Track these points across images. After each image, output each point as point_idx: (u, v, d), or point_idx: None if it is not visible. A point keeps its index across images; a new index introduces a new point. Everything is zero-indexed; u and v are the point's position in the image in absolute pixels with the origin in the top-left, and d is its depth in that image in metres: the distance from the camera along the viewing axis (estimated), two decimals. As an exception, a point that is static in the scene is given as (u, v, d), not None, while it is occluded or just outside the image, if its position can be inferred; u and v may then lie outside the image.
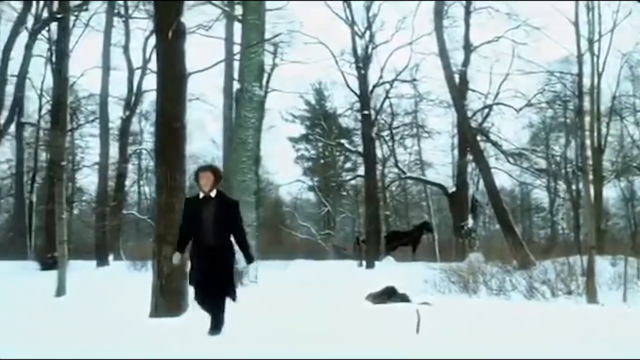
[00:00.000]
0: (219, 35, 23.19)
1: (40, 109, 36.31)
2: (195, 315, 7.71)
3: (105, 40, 26.26)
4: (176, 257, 7.08)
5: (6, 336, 6.96)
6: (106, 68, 26.62)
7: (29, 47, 25.77)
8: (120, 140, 32.78)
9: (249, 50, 12.04)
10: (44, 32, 27.55)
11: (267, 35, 24.12)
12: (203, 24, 20.45)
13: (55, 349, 5.98)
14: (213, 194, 6.95)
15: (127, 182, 47.94)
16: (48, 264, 22.91)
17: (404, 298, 10.88)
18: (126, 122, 32.29)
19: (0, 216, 44.68)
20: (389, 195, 42.97)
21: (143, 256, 24.85)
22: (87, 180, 42.04)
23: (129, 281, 18.34)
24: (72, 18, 27.11)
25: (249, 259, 7.42)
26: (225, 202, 7.10)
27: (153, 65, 31.96)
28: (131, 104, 32.11)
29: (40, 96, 35.61)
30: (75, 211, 45.10)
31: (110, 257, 29.71)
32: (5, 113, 28.18)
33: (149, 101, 35.96)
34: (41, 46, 30.46)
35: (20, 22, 25.55)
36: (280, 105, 44.86)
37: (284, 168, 50.38)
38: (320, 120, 43.48)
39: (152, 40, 31.20)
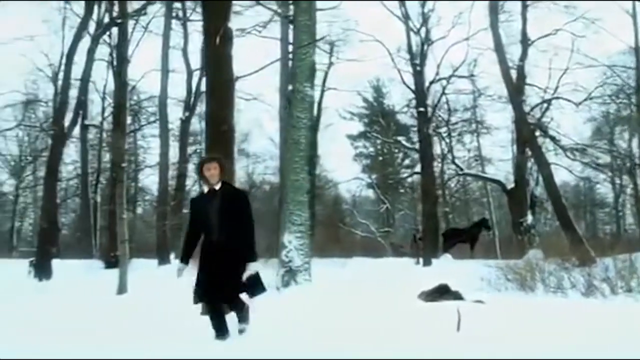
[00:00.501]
0: (274, 36, 23.55)
1: (103, 112, 37.34)
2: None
3: (164, 43, 26.80)
4: (179, 270, 6.73)
5: (64, 332, 7.26)
6: (165, 70, 27.15)
7: (91, 51, 26.48)
8: (180, 140, 33.39)
9: (300, 51, 12.14)
10: (105, 37, 28.31)
11: (322, 35, 24.39)
12: (259, 24, 20.65)
13: (109, 345, 6.23)
14: (218, 186, 6.52)
15: (189, 182, 48.88)
16: (111, 262, 23.53)
17: (457, 296, 10.81)
18: (185, 123, 32.85)
19: (68, 216, 46.04)
20: (448, 192, 42.69)
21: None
22: (150, 180, 43.02)
23: (187, 279, 18.73)
24: (132, 22, 27.84)
25: (251, 257, 6.55)
26: (230, 193, 6.62)
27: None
28: (190, 105, 32.66)
29: (103, 99, 36.63)
30: (139, 210, 46.20)
31: (172, 256, 30.32)
32: (69, 116, 28.91)
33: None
34: (103, 50, 31.38)
35: (82, 27, 26.22)
36: (337, 104, 45.16)
37: (342, 166, 50.75)
38: (378, 117, 43.48)
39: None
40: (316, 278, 13.04)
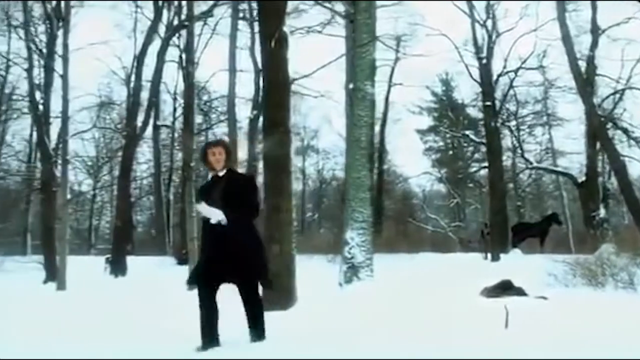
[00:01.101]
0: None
1: (174, 112, 38.25)
2: (302, 309, 8.12)
3: (230, 43, 27.26)
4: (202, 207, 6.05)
5: (130, 325, 7.57)
6: (232, 70, 27.61)
7: (161, 53, 27.13)
8: (249, 138, 33.92)
9: (360, 50, 12.26)
10: (175, 39, 28.93)
11: (387, 31, 24.40)
12: (323, 22, 20.82)
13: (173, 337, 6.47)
14: (222, 173, 6.05)
15: (260, 179, 49.48)
16: (183, 259, 24.10)
17: (520, 292, 10.70)
18: (254, 121, 33.34)
19: (143, 214, 47.38)
20: (520, 186, 42.05)
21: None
22: (222, 178, 43.74)
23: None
24: (200, 24, 28.46)
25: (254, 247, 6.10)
26: (235, 179, 6.11)
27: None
28: (258, 103, 33.13)
29: (174, 100, 37.50)
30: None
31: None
32: (142, 117, 29.67)
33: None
34: (174, 52, 32.14)
35: (152, 30, 26.94)
36: (406, 98, 44.93)
37: (412, 160, 50.51)
38: (447, 111, 43.18)
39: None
40: (380, 274, 13.13)
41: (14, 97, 32.82)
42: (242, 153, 32.32)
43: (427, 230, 40.08)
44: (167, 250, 33.42)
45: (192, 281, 6.22)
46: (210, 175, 6.21)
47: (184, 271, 18.34)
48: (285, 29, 9.20)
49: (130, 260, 26.68)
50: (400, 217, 40.46)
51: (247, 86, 33.41)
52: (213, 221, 5.79)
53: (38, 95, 23.75)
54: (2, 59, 29.68)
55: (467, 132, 37.75)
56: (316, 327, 6.76)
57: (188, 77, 19.82)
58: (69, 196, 19.76)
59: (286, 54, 9.29)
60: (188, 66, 19.93)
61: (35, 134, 29.03)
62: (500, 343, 5.41)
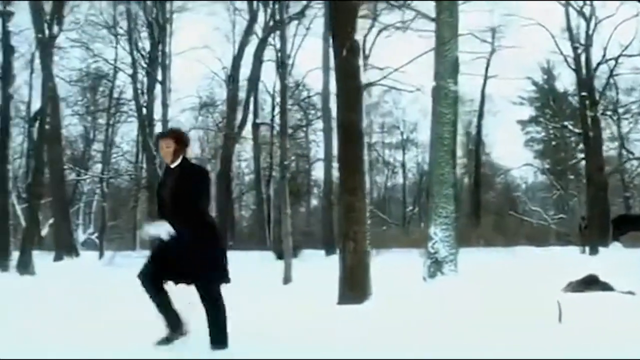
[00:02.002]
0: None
1: (272, 110, 39.17)
2: (378, 303, 8.45)
3: (324, 41, 27.80)
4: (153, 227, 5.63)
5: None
6: (326, 68, 28.16)
7: (257, 54, 28.03)
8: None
9: (442, 48, 12.45)
10: (271, 39, 29.82)
11: (478, 25, 24.27)
12: (409, 20, 21.05)
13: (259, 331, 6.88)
14: (174, 165, 5.60)
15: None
16: (282, 253, 24.79)
17: (606, 287, 10.55)
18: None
19: (247, 209, 48.76)
20: (628, 177, 40.70)
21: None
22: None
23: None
24: (295, 23, 29.17)
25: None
26: (187, 173, 5.59)
27: (371, 60, 33.44)
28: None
29: (273, 98, 38.41)
30: (314, 202, 47.93)
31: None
32: (241, 116, 30.74)
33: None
34: (272, 52, 33.04)
35: (248, 32, 27.86)
36: (502, 90, 44.28)
37: (513, 152, 49.65)
38: (549, 101, 42.31)
39: (370, 38, 32.71)
40: (470, 268, 13.28)
41: (121, 101, 34.66)
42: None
43: (527, 223, 39.47)
44: (267, 244, 34.33)
45: (142, 279, 5.59)
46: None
47: (283, 265, 18.97)
48: (358, 37, 9.57)
49: (232, 254, 27.63)
50: (501, 210, 40.03)
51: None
52: (164, 237, 5.41)
53: (143, 99, 25.10)
54: (110, 66, 31.44)
55: (566, 123, 36.87)
56: (382, 321, 7.04)
57: (281, 79, 20.45)
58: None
59: (358, 61, 9.67)
60: (281, 68, 20.55)
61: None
62: (551, 339, 5.58)
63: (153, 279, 5.50)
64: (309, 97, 40.54)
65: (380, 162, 48.48)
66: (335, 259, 26.66)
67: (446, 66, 12.40)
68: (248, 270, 21.66)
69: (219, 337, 5.49)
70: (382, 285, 10.68)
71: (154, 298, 5.54)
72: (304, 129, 44.20)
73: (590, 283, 10.72)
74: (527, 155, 44.33)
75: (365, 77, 30.72)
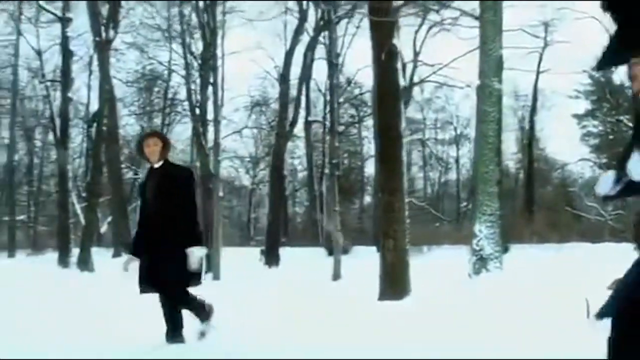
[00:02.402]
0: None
1: (324, 108, 39.48)
2: (417, 299, 8.65)
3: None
4: (125, 263, 5.83)
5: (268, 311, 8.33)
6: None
7: (307, 53, 28.36)
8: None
9: (486, 47, 12.54)
10: (321, 37, 30.07)
11: (531, 19, 24.11)
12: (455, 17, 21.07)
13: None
14: (158, 165, 5.63)
15: (414, 170, 50.12)
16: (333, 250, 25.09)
17: None
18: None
19: (301, 206, 49.25)
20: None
21: (415, 242, 26.22)
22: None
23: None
24: (346, 21, 29.40)
25: (190, 241, 5.50)
26: (171, 172, 5.66)
27: (423, 57, 33.54)
28: (403, 95, 33.66)
29: (324, 96, 38.71)
30: (367, 199, 48.07)
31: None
32: (294, 113, 31.02)
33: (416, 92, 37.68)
34: (322, 50, 33.37)
35: (298, 32, 28.15)
36: (556, 84, 43.70)
37: (569, 147, 48.83)
38: (606, 94, 41.57)
39: (420, 34, 32.79)
40: (516, 264, 13.35)
41: (176, 101, 35.48)
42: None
43: (582, 219, 38.86)
44: (320, 241, 34.67)
45: (142, 290, 5.69)
46: (147, 167, 5.91)
47: (332, 262, 19.23)
48: (396, 41, 9.77)
49: (285, 251, 28.13)
50: (556, 206, 39.49)
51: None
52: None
53: (196, 99, 25.68)
54: (164, 67, 32.25)
55: (621, 117, 36.20)
56: (419, 318, 7.19)
57: (330, 79, 20.71)
58: (221, 193, 21.21)
59: (396, 65, 9.88)
60: (330, 69, 20.81)
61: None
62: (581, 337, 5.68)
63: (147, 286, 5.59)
64: (360, 94, 40.72)
65: (434, 159, 48.31)
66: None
67: (490, 65, 12.49)
68: (299, 267, 22.17)
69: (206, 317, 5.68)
70: (427, 281, 10.86)
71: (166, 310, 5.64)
72: (356, 125, 44.42)
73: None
74: (584, 150, 43.56)
75: (417, 74, 30.88)
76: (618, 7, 2.64)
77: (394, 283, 9.37)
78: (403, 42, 31.44)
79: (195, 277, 5.57)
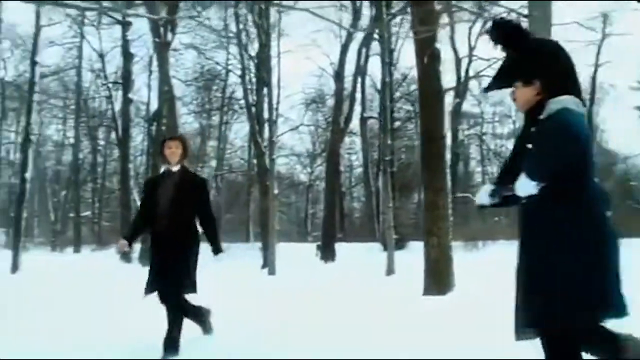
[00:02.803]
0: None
1: (380, 104, 39.68)
2: (461, 295, 8.85)
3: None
4: (120, 245, 5.89)
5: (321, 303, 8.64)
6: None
7: (361, 50, 28.68)
8: (452, 123, 34.64)
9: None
10: (375, 34, 30.25)
11: (589, 11, 23.75)
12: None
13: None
14: (176, 168, 5.78)
15: (472, 164, 49.89)
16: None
17: None
18: (457, 107, 33.99)
19: (359, 202, 49.51)
20: None
21: (471, 237, 26.27)
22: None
23: (462, 261, 19.80)
24: (401, 17, 29.46)
25: (217, 249, 5.82)
26: (189, 177, 5.88)
27: (478, 52, 33.42)
28: (459, 90, 33.66)
29: (379, 92, 38.88)
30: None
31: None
32: (350, 110, 31.34)
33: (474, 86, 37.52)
34: (377, 46, 33.58)
35: (352, 28, 28.38)
36: (619, 76, 42.94)
37: (631, 140, 47.90)
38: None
39: (475, 29, 32.66)
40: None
41: (233, 100, 36.19)
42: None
43: (646, 214, 38.00)
44: (377, 236, 34.88)
45: (148, 290, 5.70)
46: (162, 169, 6.06)
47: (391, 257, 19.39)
48: (438, 45, 10.01)
49: (341, 246, 28.48)
50: (618, 200, 38.74)
51: (449, 74, 34.01)
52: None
53: (252, 98, 26.30)
54: (222, 67, 33.00)
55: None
56: (460, 314, 7.41)
57: (382, 77, 20.92)
58: (276, 190, 21.64)
59: (438, 68, 10.11)
60: (383, 65, 21.01)
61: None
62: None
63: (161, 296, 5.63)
64: (417, 89, 40.76)
65: (491, 153, 47.98)
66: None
67: None
68: (354, 262, 22.47)
69: (173, 343, 5.55)
70: (474, 277, 11.05)
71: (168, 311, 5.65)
72: (412, 121, 44.44)
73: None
74: (649, 142, 42.68)
75: (472, 69, 30.77)
76: (506, 43, 3.41)
77: (437, 279, 9.61)
78: (458, 37, 31.50)
79: (194, 285, 5.69)
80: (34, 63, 23.02)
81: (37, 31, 21.50)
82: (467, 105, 40.98)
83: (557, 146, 3.04)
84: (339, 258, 26.21)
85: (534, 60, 3.35)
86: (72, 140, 40.50)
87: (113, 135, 36.79)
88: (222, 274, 13.21)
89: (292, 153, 43.32)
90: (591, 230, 3.10)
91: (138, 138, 39.87)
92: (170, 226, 5.56)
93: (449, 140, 32.79)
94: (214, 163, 41.50)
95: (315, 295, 10.50)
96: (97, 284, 12.96)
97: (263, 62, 23.20)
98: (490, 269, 13.48)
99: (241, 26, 26.93)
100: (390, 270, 17.97)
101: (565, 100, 3.19)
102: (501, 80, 3.52)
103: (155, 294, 5.61)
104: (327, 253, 26.28)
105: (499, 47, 3.45)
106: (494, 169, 49.40)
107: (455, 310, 7.64)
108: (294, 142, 43.93)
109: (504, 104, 44.97)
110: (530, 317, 3.18)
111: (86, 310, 8.60)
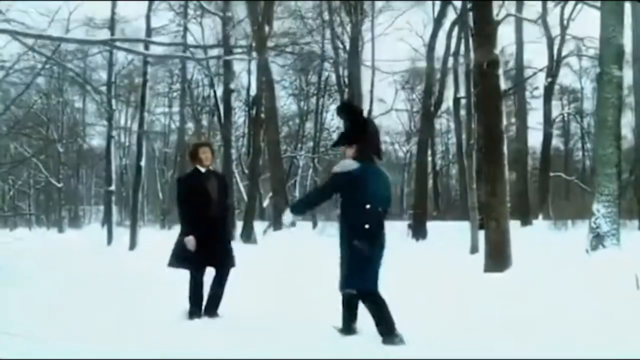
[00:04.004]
0: None
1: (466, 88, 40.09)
2: (517, 272, 9.83)
3: (516, 19, 28.53)
4: (189, 243, 7.12)
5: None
6: (519, 42, 28.77)
7: (450, 32, 29.41)
8: (545, 100, 34.88)
9: (606, 34, 13.22)
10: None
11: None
12: None
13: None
14: (206, 169, 7.45)
15: (574, 139, 49.41)
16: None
17: None
18: (549, 87, 34.13)
19: (454, 180, 50.11)
20: None
21: (569, 215, 26.56)
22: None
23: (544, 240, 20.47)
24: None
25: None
26: (221, 176, 7.80)
27: (572, 31, 33.48)
28: (551, 71, 33.77)
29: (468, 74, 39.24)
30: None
31: (540, 217, 32.11)
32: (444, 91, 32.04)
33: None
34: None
35: (443, 9, 29.05)
36: None
37: None
38: None
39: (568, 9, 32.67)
40: (635, 243, 13.94)
41: (329, 84, 37.52)
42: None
43: None
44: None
45: (173, 263, 7.33)
46: (202, 169, 7.41)
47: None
48: (497, 51, 10.91)
49: (434, 224, 29.32)
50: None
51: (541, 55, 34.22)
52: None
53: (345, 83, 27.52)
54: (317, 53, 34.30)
55: None
56: (516, 289, 8.39)
57: (467, 61, 21.58)
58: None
59: (498, 72, 11.01)
60: (466, 52, 21.66)
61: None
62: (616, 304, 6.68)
63: (198, 264, 7.20)
64: (508, 70, 40.94)
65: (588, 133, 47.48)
66: (530, 230, 27.53)
67: (610, 52, 13.13)
68: (444, 240, 23.34)
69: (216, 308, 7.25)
70: (544, 255, 11.92)
71: (196, 279, 7.25)
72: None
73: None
74: None
75: (566, 48, 30.85)
76: (342, 115, 6.20)
77: (496, 258, 10.61)
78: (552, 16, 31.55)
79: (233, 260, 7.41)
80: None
81: (148, 24, 23.09)
82: (568, 81, 40.85)
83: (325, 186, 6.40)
84: (430, 236, 26.98)
85: (355, 133, 5.95)
86: (177, 124, 42.91)
87: (215, 119, 38.82)
88: (323, 252, 14.00)
89: (387, 132, 44.37)
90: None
91: (240, 121, 41.93)
92: (218, 218, 7.32)
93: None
94: (311, 144, 43.04)
95: (394, 272, 11.59)
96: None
97: (356, 47, 24.27)
98: (565, 248, 14.29)
99: (335, 14, 28.13)
100: (474, 249, 18.81)
101: (349, 164, 5.86)
102: (340, 141, 6.09)
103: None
104: (418, 231, 27.15)
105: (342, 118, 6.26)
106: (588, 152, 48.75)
107: (511, 286, 8.68)
108: (389, 122, 45.08)
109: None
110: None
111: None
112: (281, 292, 8.81)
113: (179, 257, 7.20)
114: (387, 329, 5.68)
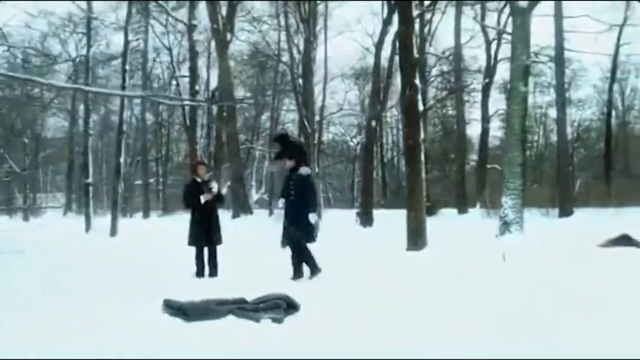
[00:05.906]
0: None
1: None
2: (431, 251, 12.52)
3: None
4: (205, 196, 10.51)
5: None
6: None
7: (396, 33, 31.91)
8: (482, 103, 37.55)
9: (515, 54, 16.02)
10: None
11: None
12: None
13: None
14: (202, 179, 10.68)
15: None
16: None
17: (635, 243, 12.61)
18: (487, 87, 36.94)
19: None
20: None
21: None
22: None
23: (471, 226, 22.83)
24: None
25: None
26: (212, 185, 10.80)
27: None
28: (489, 72, 36.50)
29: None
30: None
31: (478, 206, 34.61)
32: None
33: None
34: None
35: (389, 16, 31.41)
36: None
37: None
38: None
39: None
40: (537, 229, 16.59)
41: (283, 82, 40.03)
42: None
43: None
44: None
45: (191, 242, 10.64)
46: (199, 180, 10.64)
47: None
48: (417, 81, 13.64)
49: (381, 213, 31.39)
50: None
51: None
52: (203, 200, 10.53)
53: (299, 83, 29.98)
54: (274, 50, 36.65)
55: None
56: (426, 263, 11.03)
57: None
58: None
59: (417, 97, 13.58)
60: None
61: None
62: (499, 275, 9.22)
63: (201, 242, 10.69)
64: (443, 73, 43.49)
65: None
66: (464, 217, 30.02)
67: (518, 71, 15.90)
68: (389, 227, 25.49)
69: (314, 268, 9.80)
70: (459, 239, 14.45)
71: (201, 252, 10.71)
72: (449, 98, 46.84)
73: (622, 241, 12.92)
74: None
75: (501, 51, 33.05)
76: (278, 142, 10.97)
77: (415, 241, 13.27)
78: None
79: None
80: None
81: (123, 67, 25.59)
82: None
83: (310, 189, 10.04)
84: (376, 223, 28.90)
85: (293, 150, 10.00)
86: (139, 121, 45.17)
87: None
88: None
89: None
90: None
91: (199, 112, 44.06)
92: (210, 218, 10.60)
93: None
94: (266, 134, 45.52)
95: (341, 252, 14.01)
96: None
97: (309, 47, 26.46)
98: (479, 233, 16.84)
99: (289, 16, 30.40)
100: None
101: (305, 169, 9.89)
102: (278, 157, 10.27)
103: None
104: (365, 219, 29.16)
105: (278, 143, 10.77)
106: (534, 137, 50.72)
107: (426, 259, 11.34)
108: (343, 118, 47.71)
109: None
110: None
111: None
112: (246, 264, 11.52)
113: (192, 237, 10.53)
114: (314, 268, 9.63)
